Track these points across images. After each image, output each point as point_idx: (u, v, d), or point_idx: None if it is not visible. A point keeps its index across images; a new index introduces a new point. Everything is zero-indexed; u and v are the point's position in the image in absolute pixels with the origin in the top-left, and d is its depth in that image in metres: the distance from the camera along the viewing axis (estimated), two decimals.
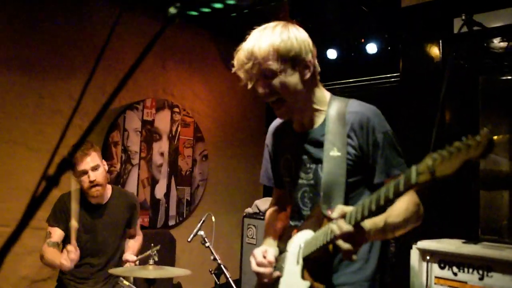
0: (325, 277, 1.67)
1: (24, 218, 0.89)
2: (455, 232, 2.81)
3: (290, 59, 1.65)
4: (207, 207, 5.16)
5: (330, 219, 1.44)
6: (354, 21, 4.59)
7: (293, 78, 1.67)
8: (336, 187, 1.69)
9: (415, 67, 3.70)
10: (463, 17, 2.62)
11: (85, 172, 3.05)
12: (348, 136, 1.70)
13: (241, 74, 1.70)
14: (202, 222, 3.24)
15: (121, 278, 2.92)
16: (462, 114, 3.23)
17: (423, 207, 1.66)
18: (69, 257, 2.81)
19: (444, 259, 2.43)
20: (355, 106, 1.75)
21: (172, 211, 4.97)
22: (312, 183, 1.78)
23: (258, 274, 1.80)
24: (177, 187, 5.03)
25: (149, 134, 4.78)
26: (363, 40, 4.67)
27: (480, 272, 2.29)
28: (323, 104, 1.79)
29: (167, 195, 4.93)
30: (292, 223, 1.89)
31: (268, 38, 1.65)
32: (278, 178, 2.02)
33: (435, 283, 2.45)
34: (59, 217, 3.16)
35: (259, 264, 1.79)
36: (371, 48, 4.63)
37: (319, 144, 1.75)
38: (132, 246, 3.40)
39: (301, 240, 1.72)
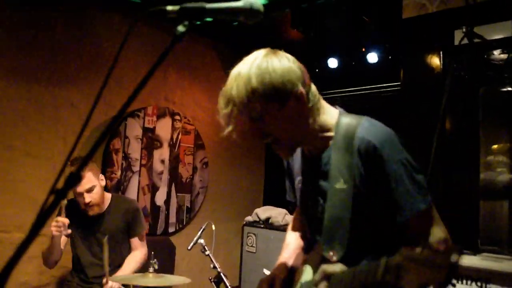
0: None
1: (33, 230, 0.90)
2: (454, 242, 2.80)
3: (274, 96, 1.43)
4: (207, 215, 5.17)
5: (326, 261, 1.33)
6: (355, 31, 4.61)
7: (283, 115, 1.46)
8: (339, 225, 1.49)
9: (415, 77, 3.72)
10: (464, 30, 2.65)
11: (80, 194, 3.06)
12: (356, 167, 1.47)
13: (220, 120, 1.50)
14: (202, 230, 3.24)
15: (122, 287, 2.93)
16: (463, 125, 3.25)
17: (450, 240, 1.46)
18: (57, 224, 2.85)
19: None
20: (365, 131, 1.49)
21: (172, 218, 4.98)
22: (317, 216, 1.59)
23: None
24: (177, 194, 5.04)
25: (150, 141, 4.80)
26: (364, 50, 4.69)
27: (479, 283, 2.29)
28: (330, 129, 1.56)
29: (167, 202, 4.94)
30: (305, 250, 1.76)
31: (246, 77, 1.43)
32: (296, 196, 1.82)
33: None
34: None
35: None
36: (372, 57, 4.65)
37: (325, 174, 1.55)
38: (127, 264, 3.30)
39: (302, 281, 1.58)
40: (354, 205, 1.47)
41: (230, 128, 1.47)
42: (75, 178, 0.96)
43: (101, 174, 3.23)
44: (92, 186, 3.07)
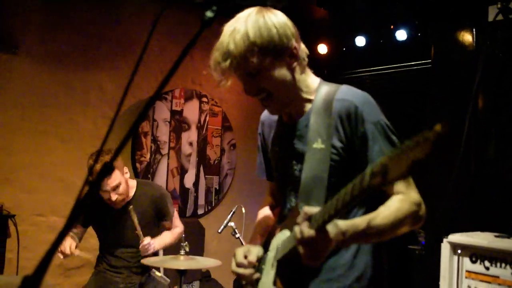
0: (297, 284, 1.51)
1: (69, 223, 0.91)
2: (486, 225, 2.75)
3: (271, 50, 1.46)
4: (236, 196, 5.21)
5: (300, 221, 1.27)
6: (383, 8, 4.51)
7: (279, 71, 1.50)
8: (317, 184, 1.50)
9: (447, 55, 3.62)
10: (499, 5, 2.55)
11: (106, 192, 3.08)
12: (335, 127, 1.50)
13: (216, 75, 1.50)
14: (233, 214, 3.26)
15: (153, 270, 2.98)
16: (496, 104, 3.16)
17: (425, 207, 1.44)
18: (63, 250, 2.91)
19: (476, 253, 2.39)
20: (344, 93, 1.54)
21: (201, 200, 5.03)
22: (296, 180, 1.58)
23: (238, 275, 1.64)
24: (206, 176, 5.08)
25: (178, 124, 4.83)
26: (392, 27, 4.58)
27: None
28: (312, 92, 1.60)
29: (196, 184, 4.99)
30: (279, 221, 1.75)
31: (243, 31, 1.44)
32: (270, 170, 1.84)
33: (466, 277, 2.41)
34: (85, 216, 3.25)
35: (238, 265, 1.63)
36: (401, 34, 4.54)
37: (304, 137, 1.57)
38: (164, 235, 3.33)
39: (279, 242, 1.57)
40: (331, 165, 1.49)
41: (226, 82, 1.50)
42: (108, 169, 0.96)
43: (125, 167, 3.21)
44: (118, 183, 3.04)
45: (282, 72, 1.51)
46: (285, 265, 1.51)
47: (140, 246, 3.00)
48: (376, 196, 1.45)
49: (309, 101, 1.61)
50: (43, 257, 0.82)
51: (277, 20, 1.48)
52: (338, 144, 1.51)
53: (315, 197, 1.48)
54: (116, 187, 3.04)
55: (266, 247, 1.70)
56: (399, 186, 1.45)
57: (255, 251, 1.64)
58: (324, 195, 1.47)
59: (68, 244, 2.95)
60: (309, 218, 1.24)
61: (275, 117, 1.76)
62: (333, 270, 1.53)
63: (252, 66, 1.46)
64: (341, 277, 1.53)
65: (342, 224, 1.29)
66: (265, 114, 1.84)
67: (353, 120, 1.48)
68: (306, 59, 1.59)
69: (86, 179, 1.00)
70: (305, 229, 1.23)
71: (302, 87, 1.59)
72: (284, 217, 1.68)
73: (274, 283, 1.49)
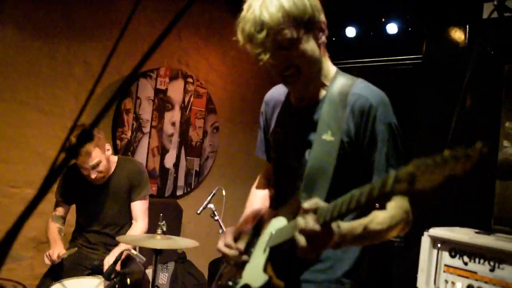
0: (288, 273, 1.49)
1: (42, 189, 0.86)
2: (466, 221, 2.77)
3: (304, 23, 1.42)
4: (216, 179, 5.16)
5: (304, 211, 1.25)
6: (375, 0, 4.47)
7: (310, 45, 1.46)
8: (321, 176, 1.48)
9: (438, 51, 3.60)
10: (495, 2, 2.52)
11: (86, 169, 3.03)
12: (346, 121, 1.49)
13: (252, 48, 1.45)
14: (213, 195, 3.22)
15: (129, 247, 2.93)
16: (484, 102, 3.16)
17: (412, 215, 1.47)
18: (51, 256, 2.90)
19: (456, 248, 2.41)
20: (361, 88, 1.52)
21: (181, 181, 4.97)
22: (298, 167, 1.57)
23: (224, 255, 1.63)
24: (187, 157, 5.02)
25: (162, 103, 4.75)
26: (383, 20, 4.55)
27: (492, 263, 2.26)
28: (329, 78, 1.58)
29: (176, 165, 4.92)
30: (274, 206, 1.73)
31: (276, 1, 1.39)
32: (269, 150, 1.82)
33: (444, 271, 2.42)
34: (64, 192, 3.20)
35: (226, 245, 1.62)
36: (392, 28, 4.51)
37: (314, 125, 1.54)
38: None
39: (273, 228, 1.56)
40: (338, 158, 1.47)
41: (265, 55, 1.45)
42: (88, 136, 0.91)
43: (107, 144, 3.14)
44: (99, 162, 3.00)
45: (312, 46, 1.48)
46: (278, 253, 1.49)
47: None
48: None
49: (324, 87, 1.58)
50: (10, 229, 0.79)
51: None
52: (347, 139, 1.49)
53: (318, 189, 1.47)
54: (96, 165, 3.01)
55: (257, 230, 1.68)
56: None
57: (245, 237, 1.64)
58: (327, 188, 1.46)
59: (57, 251, 2.92)
60: (315, 211, 1.21)
61: (281, 98, 1.73)
62: (322, 262, 1.54)
63: (287, 38, 1.41)
64: (329, 269, 1.54)
65: (343, 227, 1.29)
66: (270, 94, 1.81)
67: (365, 118, 1.47)
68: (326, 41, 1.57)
69: (63, 145, 0.95)
70: (311, 221, 1.20)
71: (323, 68, 1.57)
72: (278, 201, 1.66)
73: (265, 269, 1.47)
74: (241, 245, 1.61)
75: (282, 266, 1.48)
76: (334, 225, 1.23)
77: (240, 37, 1.47)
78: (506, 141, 2.94)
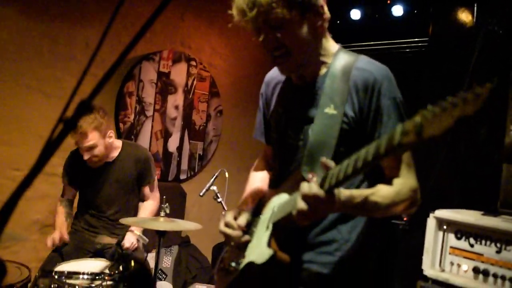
0: (293, 247, 1.47)
1: (38, 163, 0.84)
2: (472, 203, 2.74)
3: (299, 5, 1.41)
4: (219, 163, 5.13)
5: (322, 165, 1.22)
6: None
7: (302, 28, 1.45)
8: (323, 149, 1.45)
9: (445, 32, 3.53)
10: None
11: (81, 149, 3.01)
12: (349, 95, 1.46)
13: (245, 25, 1.46)
14: (216, 177, 3.20)
15: (132, 228, 2.93)
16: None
17: (420, 194, 1.45)
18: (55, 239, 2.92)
19: (462, 230, 2.38)
20: (364, 63, 1.51)
21: (184, 165, 4.96)
22: (300, 144, 1.55)
23: (225, 236, 1.62)
24: (190, 141, 4.99)
25: (165, 86, 4.71)
26: (389, 2, 4.48)
27: (498, 245, 2.23)
28: (329, 56, 1.56)
29: (179, 148, 4.90)
30: (273, 185, 1.71)
31: None
32: (268, 133, 1.80)
33: (449, 253, 2.40)
34: (68, 174, 3.19)
35: (227, 225, 1.61)
36: (397, 10, 4.44)
37: (315, 100, 1.53)
38: (144, 208, 3.31)
39: (275, 204, 1.53)
40: (341, 133, 1.45)
41: (259, 35, 1.46)
42: (86, 108, 0.88)
43: (110, 131, 3.11)
44: (93, 145, 2.96)
45: (305, 30, 1.46)
46: (281, 228, 1.47)
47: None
48: (377, 178, 1.46)
49: (325, 64, 1.56)
50: (3, 206, 0.77)
51: None
52: (350, 113, 1.47)
53: (320, 162, 1.43)
54: (91, 148, 2.97)
55: (257, 211, 1.66)
56: (401, 170, 1.44)
57: (245, 215, 1.62)
58: None
59: (58, 235, 2.94)
60: (323, 179, 1.20)
61: (282, 79, 1.71)
62: (330, 244, 1.52)
63: (277, 17, 1.40)
64: (337, 251, 1.52)
65: (344, 195, 1.28)
66: (271, 74, 1.79)
67: (370, 92, 1.45)
68: (327, 24, 1.54)
69: (60, 117, 0.92)
70: (315, 187, 1.19)
71: (321, 50, 1.55)
72: (279, 180, 1.63)
73: (269, 244, 1.45)
74: (242, 222, 1.60)
75: (286, 240, 1.46)
76: (336, 191, 1.22)
77: (234, 12, 1.47)
78: None
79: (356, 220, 1.54)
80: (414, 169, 1.47)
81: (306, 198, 1.21)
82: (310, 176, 1.25)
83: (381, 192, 1.39)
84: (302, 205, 1.21)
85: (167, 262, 4.46)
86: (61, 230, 2.99)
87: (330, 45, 1.59)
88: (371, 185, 1.44)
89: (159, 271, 4.29)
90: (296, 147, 1.57)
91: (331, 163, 1.20)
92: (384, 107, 1.44)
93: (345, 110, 1.46)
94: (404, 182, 1.43)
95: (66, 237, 2.95)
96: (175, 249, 4.55)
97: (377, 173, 1.47)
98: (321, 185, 1.19)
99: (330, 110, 1.47)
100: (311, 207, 1.21)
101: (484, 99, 0.85)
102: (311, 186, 1.20)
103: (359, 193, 1.36)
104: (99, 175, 3.16)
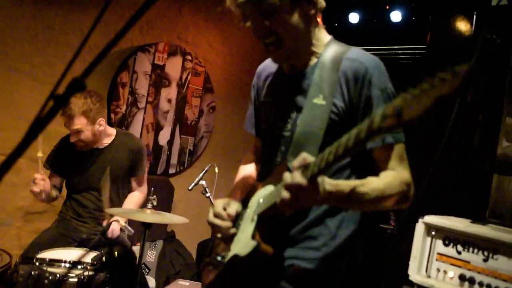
0: (278, 240, 1.44)
1: (21, 146, 0.81)
2: (461, 212, 2.74)
3: None
4: (209, 159, 5.09)
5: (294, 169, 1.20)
6: None
7: (294, 16, 1.43)
8: (310, 140, 1.43)
9: (443, 40, 3.53)
10: None
11: (69, 130, 2.99)
12: (339, 85, 1.44)
13: (234, 11, 1.46)
14: (205, 172, 3.17)
15: (118, 218, 2.89)
16: (487, 92, 3.10)
17: (414, 188, 1.42)
18: (35, 183, 2.78)
19: (450, 236, 2.36)
20: (355, 54, 1.48)
21: (174, 160, 4.92)
22: (288, 135, 1.53)
23: (213, 227, 1.57)
24: (181, 136, 4.96)
25: (158, 79, 4.67)
26: (387, 7, 4.48)
27: (485, 253, 2.22)
28: (321, 46, 1.54)
29: (170, 142, 4.86)
30: (260, 178, 1.68)
31: None
32: (258, 125, 1.77)
33: (436, 259, 2.38)
34: (54, 159, 3.14)
35: (216, 215, 1.57)
36: (396, 16, 4.44)
37: (304, 90, 1.51)
38: (129, 200, 3.25)
39: (261, 196, 1.51)
40: (329, 124, 1.43)
41: (245, 23, 1.46)
42: (78, 86, 0.86)
43: (101, 119, 3.06)
44: (80, 129, 2.94)
45: (297, 18, 1.45)
46: (266, 219, 1.44)
47: (104, 224, 2.88)
48: (367, 169, 1.44)
49: (316, 54, 1.54)
50: None
51: None
52: (339, 103, 1.45)
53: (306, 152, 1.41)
54: (77, 131, 2.95)
55: (245, 204, 1.63)
56: (393, 163, 1.42)
57: (235, 205, 1.59)
58: (316, 154, 1.37)
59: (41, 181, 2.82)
60: (306, 167, 1.17)
61: (273, 70, 1.69)
62: (316, 239, 1.49)
63: (268, 4, 1.38)
64: (323, 246, 1.49)
65: (328, 184, 1.24)
66: (262, 66, 1.78)
67: (360, 82, 1.42)
68: (320, 13, 1.52)
69: (51, 92, 0.90)
70: (298, 176, 1.16)
71: (313, 39, 1.53)
72: (266, 173, 1.60)
73: (253, 236, 1.42)
74: (232, 211, 1.57)
75: (271, 232, 1.44)
76: (319, 180, 1.19)
77: None
78: (505, 139, 2.90)
79: (344, 216, 1.51)
80: (407, 162, 1.45)
81: (289, 187, 1.18)
82: (294, 166, 1.23)
83: (371, 184, 1.35)
84: (285, 194, 1.19)
85: (151, 256, 4.42)
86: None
87: (323, 35, 1.57)
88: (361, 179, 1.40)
89: (143, 265, 4.25)
90: (283, 138, 1.55)
91: (310, 159, 1.18)
92: (374, 97, 1.41)
93: (334, 100, 1.44)
94: (396, 174, 1.40)
95: (48, 181, 2.87)
96: (159, 243, 4.51)
97: (368, 166, 1.45)
98: (304, 174, 1.17)
99: (318, 100, 1.46)
100: (294, 196, 1.18)
101: (461, 78, 0.82)
102: (293, 175, 1.18)
103: (346, 183, 1.32)
104: (87, 160, 3.13)
